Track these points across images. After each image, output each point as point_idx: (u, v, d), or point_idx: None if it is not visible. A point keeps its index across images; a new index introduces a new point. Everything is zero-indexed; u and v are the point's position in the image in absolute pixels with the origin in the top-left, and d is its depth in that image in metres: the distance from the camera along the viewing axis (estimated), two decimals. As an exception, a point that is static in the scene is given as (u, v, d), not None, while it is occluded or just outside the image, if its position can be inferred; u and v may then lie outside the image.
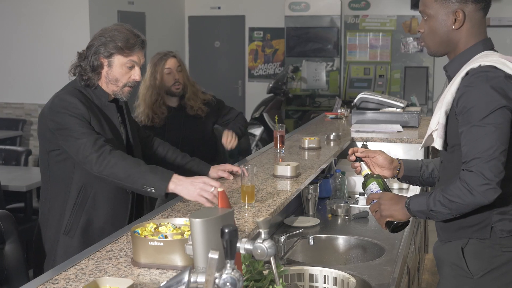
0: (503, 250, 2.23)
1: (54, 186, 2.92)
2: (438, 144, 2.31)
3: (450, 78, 2.34)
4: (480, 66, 2.20)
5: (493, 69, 2.18)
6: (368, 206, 2.50)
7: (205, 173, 3.33)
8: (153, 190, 2.71)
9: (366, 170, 2.55)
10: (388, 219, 2.36)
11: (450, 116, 2.27)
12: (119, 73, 2.92)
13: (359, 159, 2.61)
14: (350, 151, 2.63)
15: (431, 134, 2.36)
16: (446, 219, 2.27)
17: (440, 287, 2.41)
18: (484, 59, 2.23)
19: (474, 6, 2.29)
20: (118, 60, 2.91)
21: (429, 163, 2.61)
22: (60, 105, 2.82)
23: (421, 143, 2.56)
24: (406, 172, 2.61)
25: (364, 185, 2.52)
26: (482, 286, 2.26)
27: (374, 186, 2.48)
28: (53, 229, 2.90)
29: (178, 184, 2.71)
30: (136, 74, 2.96)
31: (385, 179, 2.57)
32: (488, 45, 2.33)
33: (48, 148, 2.89)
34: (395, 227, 2.39)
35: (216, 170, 3.33)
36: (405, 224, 2.39)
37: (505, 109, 2.12)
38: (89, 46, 2.94)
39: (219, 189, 2.14)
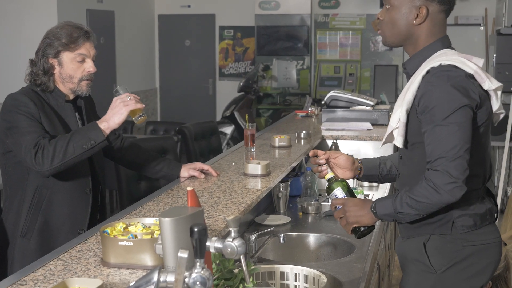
0: (464, 244, 2.26)
1: (11, 188, 2.90)
2: (398, 142, 2.32)
3: (408, 75, 2.36)
4: (440, 65, 2.22)
5: (453, 68, 2.20)
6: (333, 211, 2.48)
7: (176, 172, 3.32)
8: (94, 143, 2.73)
9: (329, 173, 2.54)
10: (354, 225, 2.37)
11: (410, 115, 2.28)
12: (71, 69, 2.90)
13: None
14: (311, 153, 2.59)
15: (391, 132, 2.37)
16: (413, 220, 2.28)
17: (403, 283, 2.43)
18: (444, 57, 2.25)
19: (438, 7, 2.32)
20: (67, 57, 2.89)
21: (386, 161, 2.63)
22: (10, 104, 2.80)
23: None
24: (366, 171, 2.61)
25: (329, 190, 2.50)
26: (445, 281, 2.29)
27: (339, 192, 2.47)
28: (10, 232, 2.87)
29: (107, 120, 2.77)
30: (89, 66, 2.93)
31: (348, 180, 2.56)
32: (446, 43, 2.36)
33: (4, 149, 2.86)
34: (361, 234, 2.39)
35: (187, 169, 3.32)
36: (370, 229, 2.40)
37: (467, 107, 2.15)
38: (37, 50, 2.93)
39: (189, 188, 2.13)
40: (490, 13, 9.88)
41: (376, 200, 2.32)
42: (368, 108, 5.63)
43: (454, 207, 2.24)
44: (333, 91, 5.87)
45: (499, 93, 2.29)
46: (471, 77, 2.21)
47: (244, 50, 11.32)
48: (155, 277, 1.57)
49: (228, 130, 9.61)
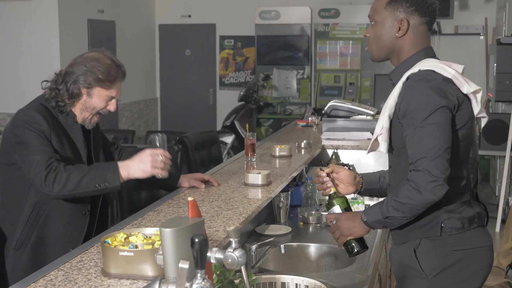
0: (453, 249, 2.31)
1: (8, 199, 2.88)
2: (383, 147, 2.40)
3: (394, 85, 2.41)
4: (419, 71, 2.30)
5: (431, 73, 2.29)
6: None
7: (174, 182, 3.31)
8: (108, 185, 2.72)
9: (332, 189, 2.58)
10: (349, 238, 2.42)
11: (393, 121, 2.36)
12: (97, 103, 2.89)
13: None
14: (316, 172, 2.64)
15: (376, 139, 2.43)
16: (402, 224, 2.32)
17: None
18: (424, 64, 2.33)
19: (419, 19, 2.39)
20: (98, 92, 2.87)
21: (385, 174, 2.68)
22: (22, 120, 2.79)
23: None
24: (367, 185, 2.67)
25: (329, 205, 2.55)
26: (436, 285, 2.33)
27: (337, 209, 2.52)
28: (3, 243, 2.86)
29: (129, 169, 2.75)
30: (112, 105, 2.93)
31: (350, 194, 2.63)
32: (429, 53, 2.42)
33: (8, 161, 2.85)
34: (354, 254, 2.46)
35: (188, 179, 3.32)
36: (363, 250, 2.45)
37: (445, 108, 2.21)
38: (69, 72, 2.87)
39: (189, 198, 2.13)
40: (490, 22, 9.90)
41: (365, 210, 2.37)
42: (368, 117, 5.63)
43: (441, 210, 2.30)
44: (333, 101, 5.88)
45: (478, 96, 2.36)
46: (449, 81, 2.28)
47: (245, 60, 11.34)
48: (156, 288, 1.57)
49: (229, 139, 9.62)
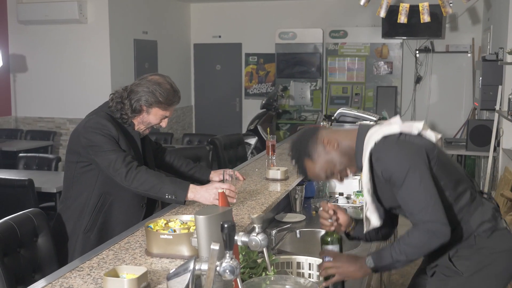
0: (489, 252, 2.19)
1: (75, 190, 2.88)
2: (375, 220, 2.24)
3: (361, 169, 2.24)
4: (376, 144, 2.16)
5: (385, 139, 2.15)
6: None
7: (206, 177, 3.31)
8: (174, 198, 2.72)
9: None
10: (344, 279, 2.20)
11: (378, 187, 2.21)
12: (153, 119, 2.91)
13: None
14: (323, 205, 2.40)
15: (366, 217, 2.26)
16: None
17: (429, 283, 2.33)
18: (373, 137, 2.18)
19: (325, 128, 2.27)
20: (156, 111, 2.89)
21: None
22: (95, 126, 2.80)
23: None
24: (358, 229, 2.43)
25: (326, 242, 2.28)
26: (472, 284, 2.21)
27: (335, 247, 2.26)
28: (70, 228, 2.87)
29: (196, 193, 2.74)
30: (164, 123, 2.96)
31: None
32: (365, 128, 2.25)
33: (76, 159, 2.86)
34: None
35: (218, 174, 3.32)
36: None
37: (417, 161, 2.09)
38: (134, 90, 2.88)
39: (219, 190, 2.14)
40: (476, 42, 9.80)
41: (370, 255, 2.17)
42: (371, 123, 5.59)
43: (470, 224, 2.19)
44: (341, 108, 5.84)
45: (428, 129, 2.24)
46: (401, 134, 2.17)
47: (266, 74, 11.33)
48: (191, 266, 1.57)
49: (252, 141, 9.61)
